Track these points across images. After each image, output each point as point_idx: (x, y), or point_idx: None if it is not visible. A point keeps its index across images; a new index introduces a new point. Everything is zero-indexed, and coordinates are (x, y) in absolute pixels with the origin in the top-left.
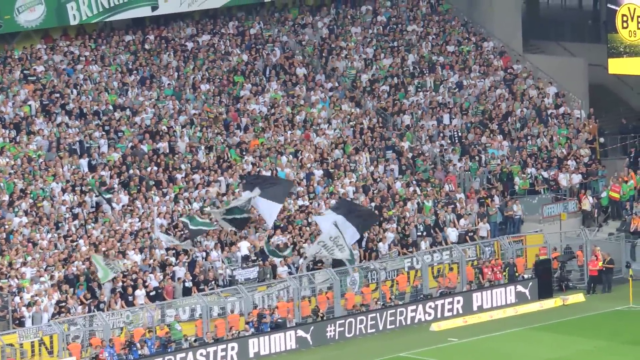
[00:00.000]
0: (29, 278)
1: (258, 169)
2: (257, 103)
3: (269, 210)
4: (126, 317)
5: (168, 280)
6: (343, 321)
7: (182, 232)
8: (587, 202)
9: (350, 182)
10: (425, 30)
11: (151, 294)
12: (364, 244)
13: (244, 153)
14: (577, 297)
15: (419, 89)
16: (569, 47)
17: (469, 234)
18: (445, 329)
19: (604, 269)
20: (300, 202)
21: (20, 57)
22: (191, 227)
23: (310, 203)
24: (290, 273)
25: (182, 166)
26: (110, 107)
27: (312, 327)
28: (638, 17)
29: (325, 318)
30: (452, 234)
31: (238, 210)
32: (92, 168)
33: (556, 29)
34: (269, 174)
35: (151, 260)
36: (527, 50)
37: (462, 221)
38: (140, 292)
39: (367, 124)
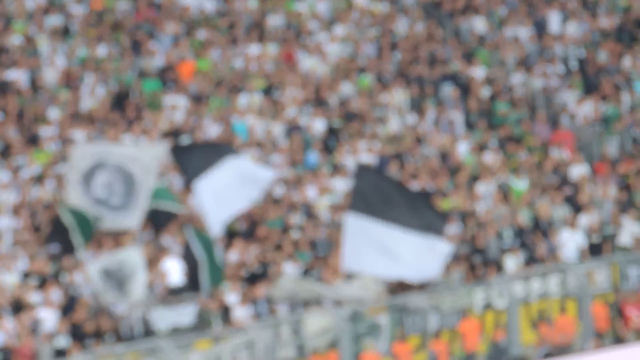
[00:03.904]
0: None
1: (194, 119)
2: None
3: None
4: None
5: (24, 333)
6: None
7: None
8: None
9: (370, 147)
10: None
11: None
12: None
13: (170, 88)
14: None
15: None
16: None
17: (600, 242)
18: None
19: None
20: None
21: None
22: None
23: (297, 185)
24: (258, 316)
25: (52, 114)
26: None
27: None
28: None
29: None
30: (567, 242)
31: (166, 193)
32: None
33: None
34: (217, 127)
35: None
36: None
37: (585, 218)
38: None
39: (403, 32)
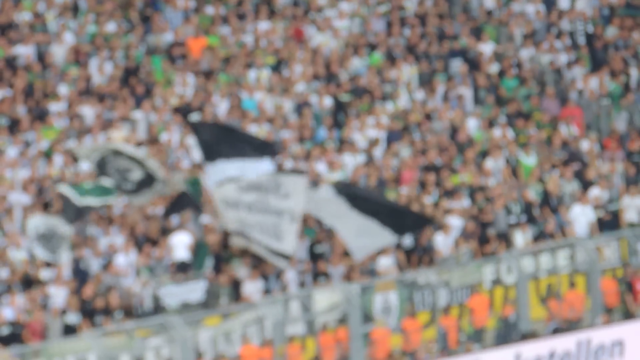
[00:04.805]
0: None
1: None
2: None
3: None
4: None
5: (35, 310)
6: None
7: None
8: None
9: (378, 122)
10: None
11: (0, 334)
12: (408, 237)
13: (178, 64)
14: None
15: None
16: None
17: (609, 218)
18: None
19: None
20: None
21: None
22: (76, 201)
23: (307, 158)
24: (267, 291)
25: (62, 90)
26: None
27: None
28: None
29: None
30: (577, 217)
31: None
32: None
33: None
34: (226, 103)
35: (3, 272)
36: None
37: (594, 193)
38: None
39: (412, 8)
